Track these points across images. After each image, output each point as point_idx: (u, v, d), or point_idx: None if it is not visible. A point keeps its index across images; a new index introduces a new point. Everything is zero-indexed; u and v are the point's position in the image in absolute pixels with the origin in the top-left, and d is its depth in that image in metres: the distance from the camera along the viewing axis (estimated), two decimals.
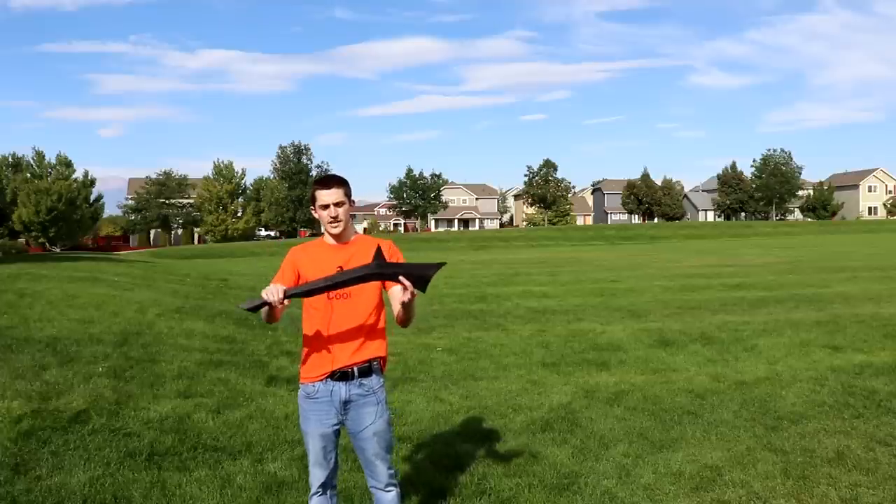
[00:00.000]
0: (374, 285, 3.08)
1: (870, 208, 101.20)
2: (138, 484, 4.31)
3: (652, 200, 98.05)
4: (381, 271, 2.89)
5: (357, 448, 3.20)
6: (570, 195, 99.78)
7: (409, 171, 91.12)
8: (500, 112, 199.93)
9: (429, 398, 6.49)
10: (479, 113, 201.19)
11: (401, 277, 2.85)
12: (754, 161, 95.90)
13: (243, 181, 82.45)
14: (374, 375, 3.14)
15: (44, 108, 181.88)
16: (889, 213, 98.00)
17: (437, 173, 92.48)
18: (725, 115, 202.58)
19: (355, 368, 3.09)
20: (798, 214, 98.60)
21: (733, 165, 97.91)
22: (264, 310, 2.89)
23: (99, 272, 17.79)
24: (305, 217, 76.99)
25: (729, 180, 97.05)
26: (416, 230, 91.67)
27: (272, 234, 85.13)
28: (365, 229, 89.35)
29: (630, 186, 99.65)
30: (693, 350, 8.64)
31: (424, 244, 59.51)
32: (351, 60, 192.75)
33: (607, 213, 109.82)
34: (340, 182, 3.14)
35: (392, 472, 3.21)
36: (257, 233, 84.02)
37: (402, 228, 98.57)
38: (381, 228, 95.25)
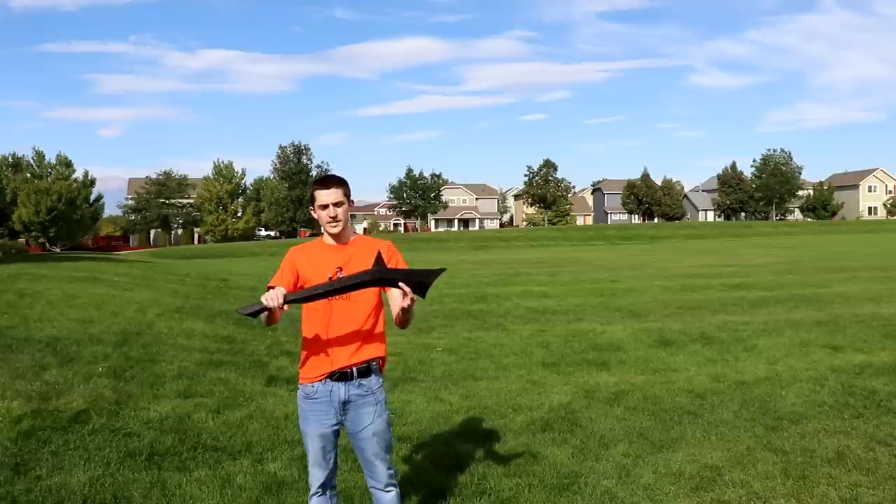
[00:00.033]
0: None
1: (870, 208, 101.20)
2: (138, 484, 4.31)
3: (652, 200, 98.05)
4: (382, 277, 2.89)
5: (356, 448, 3.20)
6: (570, 195, 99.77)
7: (409, 171, 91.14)
8: (500, 112, 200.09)
9: (429, 398, 6.49)
10: (479, 113, 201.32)
11: (401, 283, 2.86)
12: (754, 161, 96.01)
13: (243, 181, 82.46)
14: (373, 376, 3.14)
15: (44, 108, 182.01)
16: (889, 213, 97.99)
17: (437, 173, 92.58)
18: (725, 115, 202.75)
19: (354, 369, 3.09)
20: (798, 214, 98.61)
21: (733, 165, 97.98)
22: (263, 314, 2.89)
23: (99, 272, 17.79)
24: (305, 217, 76.98)
25: (729, 180, 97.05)
26: (416, 230, 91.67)
27: (272, 234, 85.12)
28: (365, 229, 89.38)
29: (630, 186, 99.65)
30: (693, 350, 8.64)
31: (424, 244, 59.52)
32: (351, 60, 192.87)
33: (607, 213, 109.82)
34: (340, 182, 3.14)
35: (392, 472, 3.21)
36: (257, 233, 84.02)
37: (402, 228, 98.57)
38: (381, 228, 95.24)
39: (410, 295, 2.86)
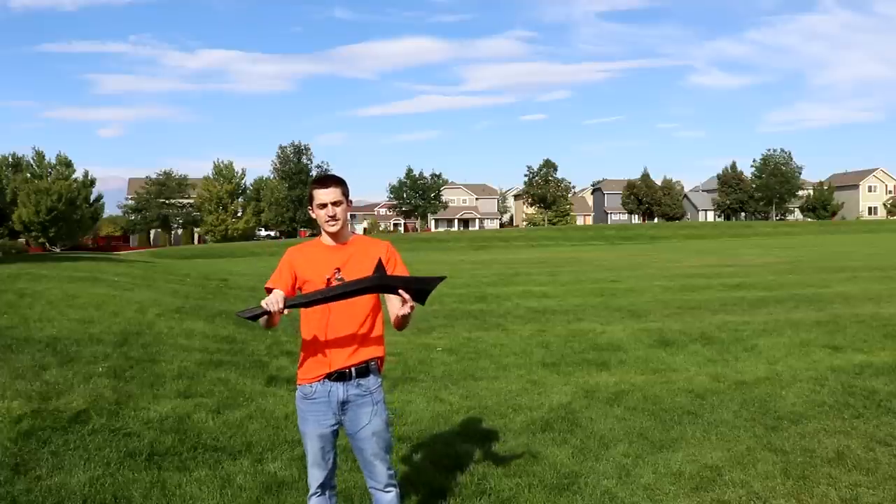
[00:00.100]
0: None
1: (870, 208, 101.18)
2: (138, 484, 4.31)
3: (652, 200, 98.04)
4: (382, 283, 2.90)
5: (356, 448, 3.19)
6: (570, 195, 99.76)
7: (409, 171, 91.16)
8: (500, 112, 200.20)
9: (429, 398, 6.49)
10: (479, 113, 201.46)
11: (400, 291, 2.86)
12: (754, 161, 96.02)
13: (243, 181, 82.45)
14: (371, 376, 3.14)
15: (44, 108, 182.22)
16: (889, 213, 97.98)
17: (437, 173, 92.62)
18: (725, 115, 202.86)
19: (353, 369, 3.09)
20: (798, 214, 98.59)
21: (733, 165, 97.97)
22: (263, 318, 2.89)
23: (99, 272, 17.79)
24: (305, 217, 76.92)
25: (729, 180, 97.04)
26: (416, 230, 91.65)
27: (272, 234, 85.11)
28: (365, 229, 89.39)
29: (630, 186, 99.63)
30: (693, 350, 8.64)
31: (424, 244, 59.52)
32: (351, 60, 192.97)
33: (607, 213, 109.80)
34: (338, 182, 3.14)
35: (391, 472, 3.20)
36: (257, 233, 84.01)
37: (402, 228, 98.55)
38: (380, 228, 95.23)
39: (410, 302, 2.87)
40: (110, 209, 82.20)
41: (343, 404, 3.10)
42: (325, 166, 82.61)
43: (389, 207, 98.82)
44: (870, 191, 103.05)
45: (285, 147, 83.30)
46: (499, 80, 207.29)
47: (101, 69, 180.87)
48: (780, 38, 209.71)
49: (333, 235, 3.14)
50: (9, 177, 62.82)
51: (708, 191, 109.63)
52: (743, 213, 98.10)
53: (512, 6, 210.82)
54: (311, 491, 3.19)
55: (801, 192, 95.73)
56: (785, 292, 14.83)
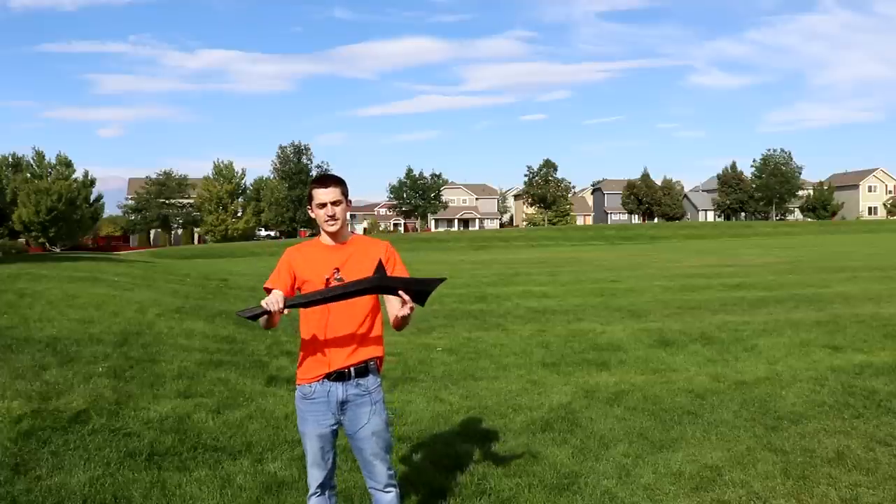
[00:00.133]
0: None
1: (870, 208, 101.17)
2: (138, 484, 4.31)
3: (652, 200, 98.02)
4: (382, 284, 2.90)
5: (355, 448, 3.19)
6: (570, 195, 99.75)
7: (409, 171, 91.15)
8: (500, 112, 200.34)
9: (429, 398, 6.49)
10: (478, 113, 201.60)
11: (400, 292, 2.87)
12: (754, 161, 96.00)
13: (243, 181, 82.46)
14: (370, 375, 3.14)
15: (44, 108, 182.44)
16: (889, 213, 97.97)
17: (437, 173, 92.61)
18: (725, 115, 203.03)
19: (352, 369, 3.09)
20: (798, 214, 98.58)
21: (733, 165, 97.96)
22: (263, 317, 2.89)
23: (99, 272, 17.79)
24: (305, 217, 76.89)
25: (729, 180, 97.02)
26: (416, 230, 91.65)
27: (272, 234, 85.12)
28: (365, 229, 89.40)
29: (630, 186, 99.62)
30: (693, 350, 8.64)
31: (424, 244, 59.51)
32: (351, 60, 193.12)
33: (607, 213, 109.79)
34: (338, 181, 3.14)
35: (391, 472, 3.19)
36: (257, 233, 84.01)
37: (402, 228, 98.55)
38: (381, 228, 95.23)
39: (410, 304, 2.87)
40: (110, 209, 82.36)
41: (342, 404, 3.10)
42: (325, 166, 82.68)
43: (389, 207, 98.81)
44: (870, 191, 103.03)
45: (285, 147, 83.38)
46: (499, 80, 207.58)
47: (101, 69, 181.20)
48: (780, 38, 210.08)
49: (332, 235, 3.14)
50: (9, 177, 62.83)
51: (708, 191, 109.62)
52: (743, 213, 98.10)
53: (512, 6, 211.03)
54: (311, 491, 3.19)
55: (801, 192, 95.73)
56: (785, 292, 14.83)
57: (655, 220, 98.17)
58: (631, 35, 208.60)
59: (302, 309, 3.08)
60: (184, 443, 5.06)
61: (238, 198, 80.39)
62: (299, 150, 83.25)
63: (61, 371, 6.70)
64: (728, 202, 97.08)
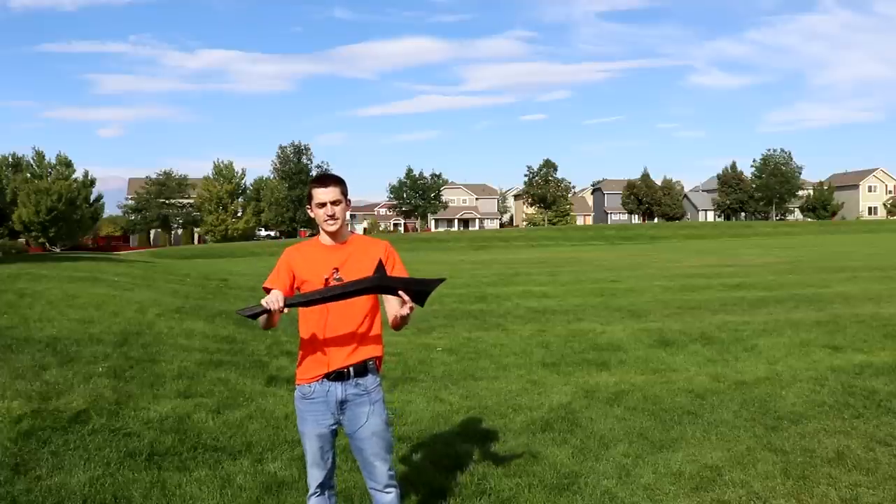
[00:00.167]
0: None
1: (870, 208, 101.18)
2: (138, 484, 4.31)
3: (652, 200, 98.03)
4: (382, 284, 2.90)
5: (355, 449, 3.18)
6: (570, 195, 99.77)
7: (409, 171, 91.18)
8: (500, 112, 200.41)
9: (429, 398, 6.48)
10: (478, 113, 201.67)
11: (400, 292, 2.86)
12: (754, 161, 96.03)
13: (243, 181, 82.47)
14: (369, 375, 3.13)
15: (44, 108, 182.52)
16: (889, 213, 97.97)
17: (437, 173, 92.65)
18: (725, 115, 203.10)
19: (351, 369, 3.09)
20: (798, 214, 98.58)
21: (733, 165, 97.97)
22: (262, 317, 2.89)
23: (99, 272, 17.79)
24: (305, 217, 76.88)
25: (729, 180, 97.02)
26: (416, 230, 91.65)
27: (272, 234, 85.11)
28: (365, 229, 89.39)
29: (630, 186, 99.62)
30: (693, 350, 8.64)
31: (424, 244, 59.51)
32: (351, 60, 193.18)
33: (607, 213, 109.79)
34: (337, 181, 3.14)
35: (391, 472, 3.18)
36: (257, 233, 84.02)
37: (402, 228, 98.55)
38: (380, 228, 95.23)
39: (409, 304, 2.87)
40: (110, 209, 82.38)
41: (341, 404, 3.09)
42: (325, 166, 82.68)
43: (389, 207, 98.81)
44: (870, 191, 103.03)
45: (285, 147, 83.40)
46: (499, 80, 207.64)
47: (101, 69, 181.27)
48: (780, 38, 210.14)
49: (332, 235, 3.14)
50: (9, 177, 62.85)
51: (708, 191, 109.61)
52: (743, 213, 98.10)
53: (512, 6, 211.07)
54: (311, 491, 3.19)
55: (801, 192, 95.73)
56: (785, 292, 14.83)
57: (655, 220, 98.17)
58: (631, 35, 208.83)
59: (301, 309, 3.09)
60: (184, 443, 5.06)
61: (238, 198, 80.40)
62: (299, 150, 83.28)
63: (61, 371, 6.70)
64: (728, 202, 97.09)
